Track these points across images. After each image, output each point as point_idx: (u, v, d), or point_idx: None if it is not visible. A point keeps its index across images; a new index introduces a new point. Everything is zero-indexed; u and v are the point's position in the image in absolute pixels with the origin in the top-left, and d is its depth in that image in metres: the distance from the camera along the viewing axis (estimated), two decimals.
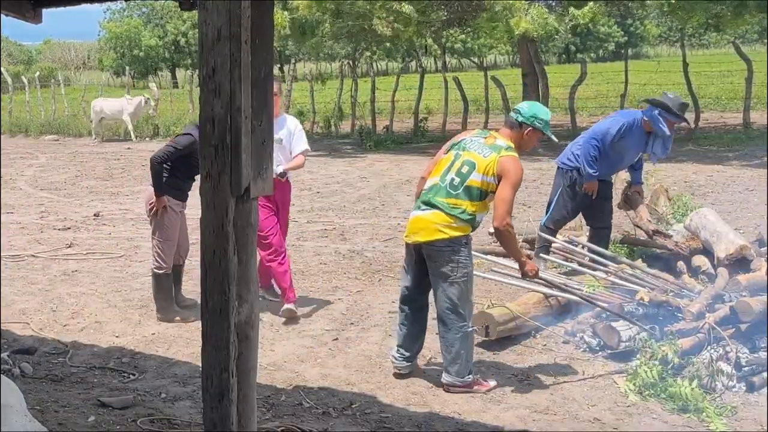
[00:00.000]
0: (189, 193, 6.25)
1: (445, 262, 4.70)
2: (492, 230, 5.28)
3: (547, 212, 7.13)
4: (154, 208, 6.11)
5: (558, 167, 7.08)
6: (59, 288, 7.18)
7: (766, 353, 4.81)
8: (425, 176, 4.98)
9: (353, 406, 4.59)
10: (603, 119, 7.35)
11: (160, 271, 6.20)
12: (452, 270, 4.70)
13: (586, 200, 6.91)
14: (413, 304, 4.99)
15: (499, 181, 4.65)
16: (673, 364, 4.73)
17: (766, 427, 4.25)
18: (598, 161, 6.77)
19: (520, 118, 4.84)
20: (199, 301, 3.00)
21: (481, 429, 4.33)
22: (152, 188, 6.15)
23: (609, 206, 7.08)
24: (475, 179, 4.67)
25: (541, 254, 6.78)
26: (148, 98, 21.80)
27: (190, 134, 6.02)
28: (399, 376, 5.01)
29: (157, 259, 6.21)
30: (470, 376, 4.81)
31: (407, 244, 4.90)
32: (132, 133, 21.53)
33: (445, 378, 4.84)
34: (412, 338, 5.01)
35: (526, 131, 4.83)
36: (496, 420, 4.42)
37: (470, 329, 4.83)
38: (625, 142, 6.77)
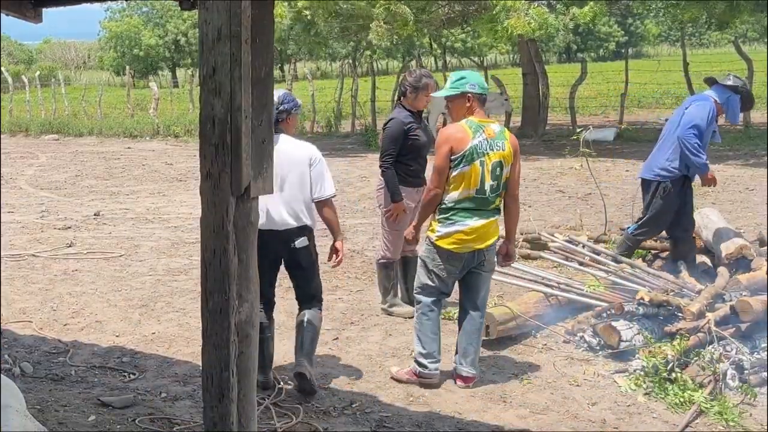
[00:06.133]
0: (421, 174, 6.05)
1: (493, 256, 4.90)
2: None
3: (638, 222, 6.56)
4: (393, 215, 5.97)
5: (647, 181, 6.45)
6: (59, 287, 7.18)
7: (766, 353, 4.81)
8: (437, 189, 4.70)
9: (353, 405, 4.60)
10: (681, 111, 6.44)
11: (384, 261, 6.16)
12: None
13: (674, 206, 6.35)
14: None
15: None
16: (674, 363, 4.73)
17: (766, 427, 4.25)
18: (702, 149, 6.21)
19: (479, 90, 4.72)
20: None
21: (481, 428, 4.33)
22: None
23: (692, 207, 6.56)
24: (507, 173, 4.75)
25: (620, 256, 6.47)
26: (503, 92, 17.81)
27: (393, 118, 5.94)
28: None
29: (384, 250, 6.16)
30: None
31: (461, 253, 4.73)
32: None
33: (470, 371, 4.85)
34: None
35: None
36: (496, 419, 4.42)
37: None
38: (710, 128, 6.26)
